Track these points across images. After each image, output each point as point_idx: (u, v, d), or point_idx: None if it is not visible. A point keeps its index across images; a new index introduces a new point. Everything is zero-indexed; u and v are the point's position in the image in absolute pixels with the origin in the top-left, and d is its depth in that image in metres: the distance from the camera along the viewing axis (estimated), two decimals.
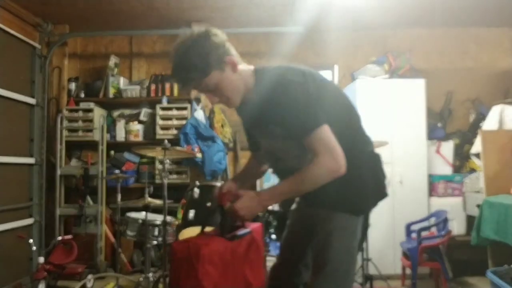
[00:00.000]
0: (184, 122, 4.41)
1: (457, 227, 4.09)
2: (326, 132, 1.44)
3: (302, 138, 1.45)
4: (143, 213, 3.16)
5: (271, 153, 1.64)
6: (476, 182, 4.10)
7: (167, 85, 4.60)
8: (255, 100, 1.55)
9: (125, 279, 3.67)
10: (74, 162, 4.53)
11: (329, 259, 1.52)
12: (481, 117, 4.43)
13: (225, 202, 1.61)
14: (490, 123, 4.06)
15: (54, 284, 3.56)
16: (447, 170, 4.35)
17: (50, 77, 4.52)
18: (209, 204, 2.76)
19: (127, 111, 4.69)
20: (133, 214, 3.33)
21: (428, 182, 4.20)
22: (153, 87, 4.62)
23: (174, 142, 4.12)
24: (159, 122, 4.47)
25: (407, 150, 4.12)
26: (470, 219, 3.98)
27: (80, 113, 4.41)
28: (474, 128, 4.48)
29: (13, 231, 3.72)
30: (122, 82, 4.67)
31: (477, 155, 3.94)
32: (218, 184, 2.93)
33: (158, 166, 4.36)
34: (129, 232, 3.26)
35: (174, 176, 4.40)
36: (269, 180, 4.68)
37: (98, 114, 4.44)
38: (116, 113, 4.68)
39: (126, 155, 4.54)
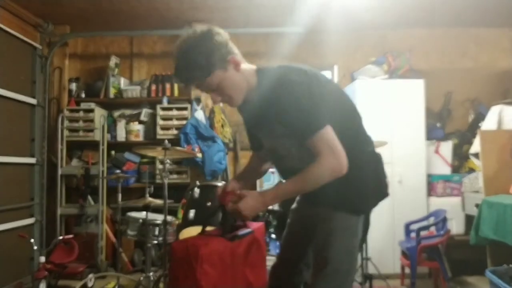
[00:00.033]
0: (184, 122, 4.43)
1: (456, 226, 4.11)
2: (328, 133, 1.45)
3: (305, 139, 1.46)
4: (144, 212, 3.17)
5: (273, 152, 1.65)
6: (475, 182, 4.11)
7: (168, 85, 4.62)
8: (258, 99, 1.56)
9: (126, 279, 3.68)
10: (75, 162, 4.54)
11: (329, 259, 1.53)
12: (480, 117, 4.44)
13: (227, 202, 1.60)
14: (489, 123, 4.07)
15: (55, 283, 3.58)
16: (446, 170, 4.36)
17: (51, 77, 4.53)
18: (209, 204, 2.77)
19: (127, 111, 4.71)
20: (133, 214, 3.34)
21: (427, 182, 4.21)
22: (153, 87, 4.63)
23: (175, 142, 4.13)
24: (160, 122, 4.48)
25: (406, 150, 4.14)
26: (469, 219, 3.99)
27: (81, 113, 4.43)
28: (473, 128, 4.49)
29: (14, 231, 3.73)
30: (123, 82, 4.69)
31: (476, 155, 3.96)
32: (219, 184, 2.95)
33: (159, 166, 4.38)
34: (129, 232, 3.27)
35: (175, 176, 4.42)
36: (269, 180, 4.69)
37: (99, 114, 4.45)
38: (116, 113, 4.70)
39: (127, 155, 4.56)
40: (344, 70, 4.79)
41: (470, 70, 4.75)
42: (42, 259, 3.42)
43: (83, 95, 4.67)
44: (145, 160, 4.53)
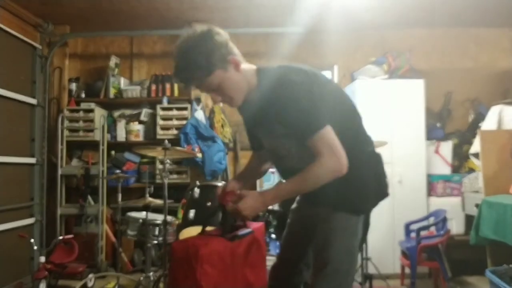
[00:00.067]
0: (184, 122, 4.43)
1: (456, 226, 4.11)
2: (329, 133, 1.45)
3: (305, 139, 1.46)
4: (144, 212, 3.17)
5: (274, 152, 1.65)
6: (475, 182, 4.11)
7: (168, 85, 4.62)
8: (258, 99, 1.56)
9: (126, 279, 3.68)
10: (75, 162, 4.55)
11: (329, 259, 1.53)
12: (480, 117, 4.44)
13: (227, 202, 1.60)
14: (489, 123, 4.07)
15: (55, 283, 3.58)
16: (446, 170, 4.36)
17: (51, 77, 4.53)
18: (209, 204, 2.77)
19: (127, 111, 4.71)
20: (133, 214, 3.35)
21: (427, 182, 4.21)
22: (153, 87, 4.64)
23: (175, 142, 4.13)
24: (160, 122, 4.48)
25: (406, 150, 4.14)
26: (469, 219, 4.00)
27: (81, 113, 4.43)
28: (473, 128, 4.49)
29: (14, 231, 3.73)
30: (123, 82, 4.70)
31: (476, 155, 3.95)
32: (219, 184, 2.95)
33: (159, 166, 4.38)
34: (129, 232, 3.27)
35: (175, 176, 4.42)
36: (269, 180, 4.70)
37: (99, 114, 4.45)
38: (116, 113, 4.70)
39: (127, 155, 4.56)
40: (344, 70, 4.80)
41: (470, 70, 4.75)
42: (42, 259, 3.43)
43: (83, 95, 4.68)
44: (145, 160, 4.54)
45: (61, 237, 3.81)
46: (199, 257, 1.48)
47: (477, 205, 3.55)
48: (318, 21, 4.21)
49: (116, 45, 4.89)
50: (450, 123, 4.68)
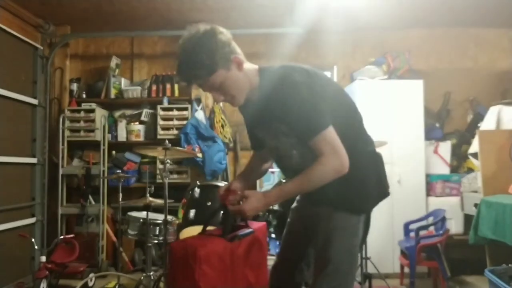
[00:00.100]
0: (184, 122, 4.44)
1: (455, 226, 4.12)
2: (331, 133, 1.46)
3: (308, 139, 1.47)
4: (144, 212, 3.18)
5: (276, 151, 1.65)
6: (473, 182, 4.13)
7: (168, 86, 4.64)
8: (260, 99, 1.56)
9: (126, 278, 3.69)
10: (76, 162, 4.56)
11: (330, 259, 1.53)
12: (479, 117, 4.46)
13: (230, 202, 1.59)
14: (488, 123, 4.08)
15: (55, 283, 3.59)
16: (445, 170, 4.37)
17: (52, 77, 4.55)
18: (209, 203, 2.78)
19: (128, 112, 4.73)
20: (134, 214, 3.36)
21: (426, 181, 4.23)
22: (154, 87, 4.65)
23: (175, 142, 4.15)
24: (160, 122, 4.50)
25: (406, 150, 4.15)
26: (468, 218, 4.01)
27: (82, 114, 4.45)
28: (472, 128, 4.50)
29: (15, 230, 3.74)
30: (123, 82, 4.71)
31: (475, 155, 3.96)
32: (219, 184, 2.96)
33: (159, 166, 4.39)
34: (130, 231, 3.29)
35: (175, 176, 4.44)
36: (269, 180, 4.71)
37: (100, 115, 4.47)
38: (117, 114, 4.72)
39: (128, 155, 4.58)
40: (344, 70, 4.81)
41: (469, 70, 4.76)
42: (43, 258, 3.43)
43: (84, 96, 4.70)
44: (145, 160, 4.55)
45: (62, 237, 3.82)
46: (197, 258, 1.46)
47: (476, 205, 3.56)
48: (318, 21, 4.22)
49: (117, 46, 4.91)
50: (449, 123, 4.69)
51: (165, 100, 4.56)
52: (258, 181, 4.47)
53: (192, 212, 2.78)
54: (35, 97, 4.20)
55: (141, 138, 4.59)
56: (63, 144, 4.37)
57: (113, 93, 4.62)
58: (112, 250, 4.38)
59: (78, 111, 4.47)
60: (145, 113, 4.63)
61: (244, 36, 4.52)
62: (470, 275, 3.94)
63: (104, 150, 4.40)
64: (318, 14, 4.06)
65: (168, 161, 3.09)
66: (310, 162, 1.48)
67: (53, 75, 4.58)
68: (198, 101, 4.55)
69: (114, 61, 4.68)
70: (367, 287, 3.33)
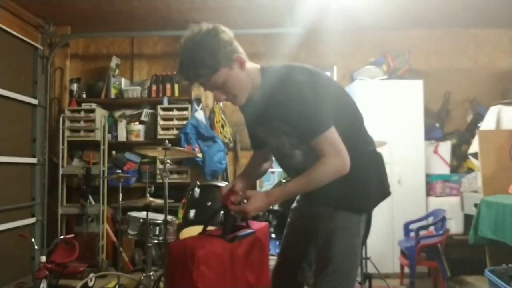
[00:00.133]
0: (184, 122, 4.44)
1: (455, 226, 4.12)
2: (333, 134, 1.46)
3: (310, 139, 1.47)
4: (144, 212, 3.18)
5: (278, 150, 1.65)
6: (473, 182, 4.13)
7: (168, 86, 4.64)
8: (262, 98, 1.56)
9: (126, 278, 3.70)
10: (76, 162, 4.56)
11: (331, 258, 1.53)
12: (479, 117, 4.46)
13: (232, 202, 1.59)
14: (487, 123, 4.08)
15: (55, 283, 3.59)
16: (445, 170, 4.38)
17: (52, 77, 4.55)
18: (209, 203, 2.78)
19: (128, 112, 4.73)
20: (134, 214, 3.36)
21: (426, 181, 4.23)
22: (154, 87, 4.65)
23: (175, 142, 4.15)
24: (160, 122, 4.50)
25: (406, 150, 4.15)
26: (468, 218, 4.01)
27: (82, 114, 4.45)
28: (471, 128, 4.51)
29: (15, 230, 3.74)
30: (124, 82, 4.71)
31: (475, 155, 3.97)
32: (219, 184, 2.96)
33: (159, 166, 4.39)
34: (130, 231, 3.29)
35: (175, 176, 4.44)
36: (269, 180, 4.72)
37: (100, 115, 4.47)
38: (117, 114, 4.72)
39: (128, 155, 4.58)
40: (344, 70, 4.81)
41: (469, 70, 4.77)
42: (43, 258, 3.44)
43: (84, 96, 4.70)
44: (145, 160, 4.55)
45: (62, 237, 3.82)
46: (195, 259, 1.45)
47: (476, 205, 3.57)
48: (318, 21, 4.22)
49: (117, 46, 4.92)
50: (449, 123, 4.70)
51: (165, 100, 4.56)
52: (258, 181, 4.47)
53: (192, 212, 2.78)
54: (35, 97, 4.20)
55: (141, 138, 4.59)
56: (63, 144, 4.37)
57: (113, 93, 4.62)
58: (112, 250, 4.38)
59: (78, 111, 4.48)
60: (145, 113, 4.63)
61: (244, 36, 4.51)
62: (470, 275, 3.94)
63: (104, 150, 4.41)
64: (318, 14, 4.06)
65: (168, 161, 3.09)
66: (312, 161, 1.49)
67: (53, 75, 4.58)
68: (198, 101, 4.56)
69: (114, 61, 4.68)
70: (367, 287, 3.33)
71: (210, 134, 4.40)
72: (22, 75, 4.09)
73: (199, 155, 4.26)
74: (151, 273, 3.15)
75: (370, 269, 3.51)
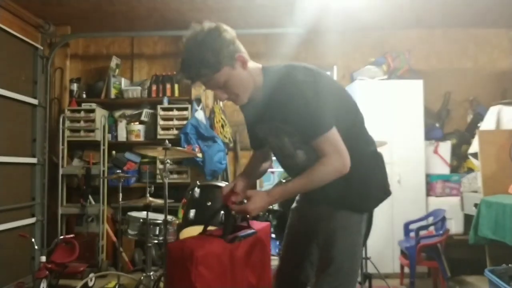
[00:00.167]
0: (184, 122, 4.45)
1: (455, 226, 4.12)
2: (334, 135, 1.47)
3: (311, 139, 1.48)
4: (144, 212, 3.18)
5: (279, 150, 1.65)
6: (473, 182, 4.13)
7: (168, 86, 4.64)
8: (263, 98, 1.56)
9: (127, 278, 3.70)
10: (76, 162, 4.56)
11: (333, 258, 1.54)
12: (479, 117, 4.46)
13: (233, 202, 1.58)
14: (487, 123, 4.08)
15: (55, 283, 3.59)
16: (445, 170, 4.38)
17: (52, 77, 4.55)
18: (209, 203, 2.78)
19: (128, 112, 4.73)
20: (134, 214, 3.36)
21: (426, 181, 4.23)
22: (154, 87, 4.65)
23: (175, 142, 4.15)
24: (160, 122, 4.50)
25: (406, 150, 4.15)
26: (468, 218, 4.01)
27: (82, 114, 4.45)
28: (471, 128, 4.51)
29: (15, 230, 3.74)
30: (124, 82, 4.71)
31: (475, 155, 3.97)
32: (219, 183, 2.96)
33: (159, 166, 4.40)
34: (130, 231, 3.29)
35: (175, 176, 4.44)
36: (269, 180, 4.72)
37: (100, 115, 4.47)
38: (117, 114, 4.72)
39: (128, 155, 4.58)
40: (344, 70, 4.81)
41: (469, 70, 4.77)
42: (43, 258, 3.44)
43: (84, 96, 4.70)
44: (145, 160, 4.56)
45: (62, 237, 3.82)
46: (194, 259, 1.44)
47: (476, 205, 3.57)
48: (318, 21, 4.23)
49: (117, 46, 4.92)
50: (449, 123, 4.70)
51: (165, 100, 4.56)
52: (258, 181, 4.47)
53: (192, 212, 2.78)
54: (35, 97, 4.20)
55: (141, 138, 4.59)
56: (63, 144, 4.37)
57: (113, 93, 4.62)
58: (112, 250, 4.38)
59: (78, 111, 4.48)
60: (145, 113, 4.63)
61: (244, 36, 4.48)
62: (470, 275, 3.94)
63: (104, 150, 4.41)
64: (318, 14, 4.07)
65: (168, 161, 3.09)
66: (313, 161, 1.49)
67: (53, 75, 4.58)
68: (198, 101, 4.56)
69: (114, 61, 4.68)
70: (367, 287, 3.33)
71: (210, 134, 4.40)
72: (22, 75, 4.09)
73: (199, 155, 4.26)
74: (151, 273, 3.15)
75: (370, 269, 3.51)
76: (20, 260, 3.90)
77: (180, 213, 3.75)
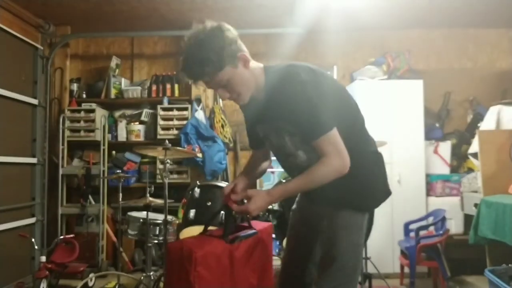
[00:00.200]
0: (184, 122, 4.44)
1: (455, 226, 4.12)
2: (335, 135, 1.47)
3: (312, 139, 1.48)
4: (144, 212, 3.18)
5: (280, 150, 1.65)
6: (473, 182, 4.13)
7: (168, 86, 4.64)
8: (265, 97, 1.56)
9: (127, 278, 3.70)
10: (76, 162, 4.56)
11: (335, 257, 1.54)
12: (479, 117, 4.46)
13: (234, 202, 1.58)
14: (487, 123, 4.08)
15: (55, 283, 3.59)
16: (445, 170, 4.38)
17: (52, 77, 4.56)
18: (209, 203, 2.78)
19: (128, 112, 4.73)
20: (134, 214, 3.36)
21: (426, 181, 4.23)
22: (154, 87, 4.65)
23: (175, 142, 4.15)
24: (160, 122, 4.50)
25: (406, 150, 4.16)
26: (468, 218, 4.01)
27: (82, 114, 4.45)
28: (471, 128, 4.51)
29: (15, 230, 3.74)
30: (124, 82, 4.71)
31: (475, 155, 3.97)
32: (219, 183, 2.96)
33: (159, 166, 4.40)
34: (130, 231, 3.29)
35: (175, 176, 4.44)
36: (269, 180, 4.71)
37: (100, 115, 4.47)
38: (117, 114, 4.72)
39: (128, 155, 4.58)
40: (344, 70, 4.81)
41: (469, 70, 4.77)
42: (43, 258, 3.43)
43: (84, 96, 4.70)
44: (145, 160, 4.55)
45: (62, 237, 3.82)
46: (193, 259, 1.44)
47: (476, 205, 3.56)
48: (318, 21, 4.22)
49: (117, 46, 4.92)
50: (449, 123, 4.70)
51: (165, 100, 4.56)
52: (258, 181, 4.47)
53: (192, 212, 2.78)
54: (35, 97, 4.21)
55: (141, 138, 4.59)
56: (63, 144, 4.37)
57: (113, 93, 4.62)
58: (112, 250, 4.38)
59: (78, 111, 4.48)
60: (145, 113, 4.63)
61: (244, 36, 4.48)
62: (470, 275, 3.94)
63: (104, 150, 4.41)
64: (318, 14, 4.06)
65: (168, 161, 3.10)
66: (314, 161, 1.49)
67: (53, 75, 4.58)
68: (198, 101, 4.56)
69: (114, 61, 4.68)
70: (367, 287, 3.33)
71: (210, 134, 4.40)
72: (22, 75, 4.09)
73: (199, 155, 4.26)
74: (151, 273, 3.15)
75: (370, 269, 3.51)
76: (20, 260, 3.90)
77: (180, 213, 3.75)
